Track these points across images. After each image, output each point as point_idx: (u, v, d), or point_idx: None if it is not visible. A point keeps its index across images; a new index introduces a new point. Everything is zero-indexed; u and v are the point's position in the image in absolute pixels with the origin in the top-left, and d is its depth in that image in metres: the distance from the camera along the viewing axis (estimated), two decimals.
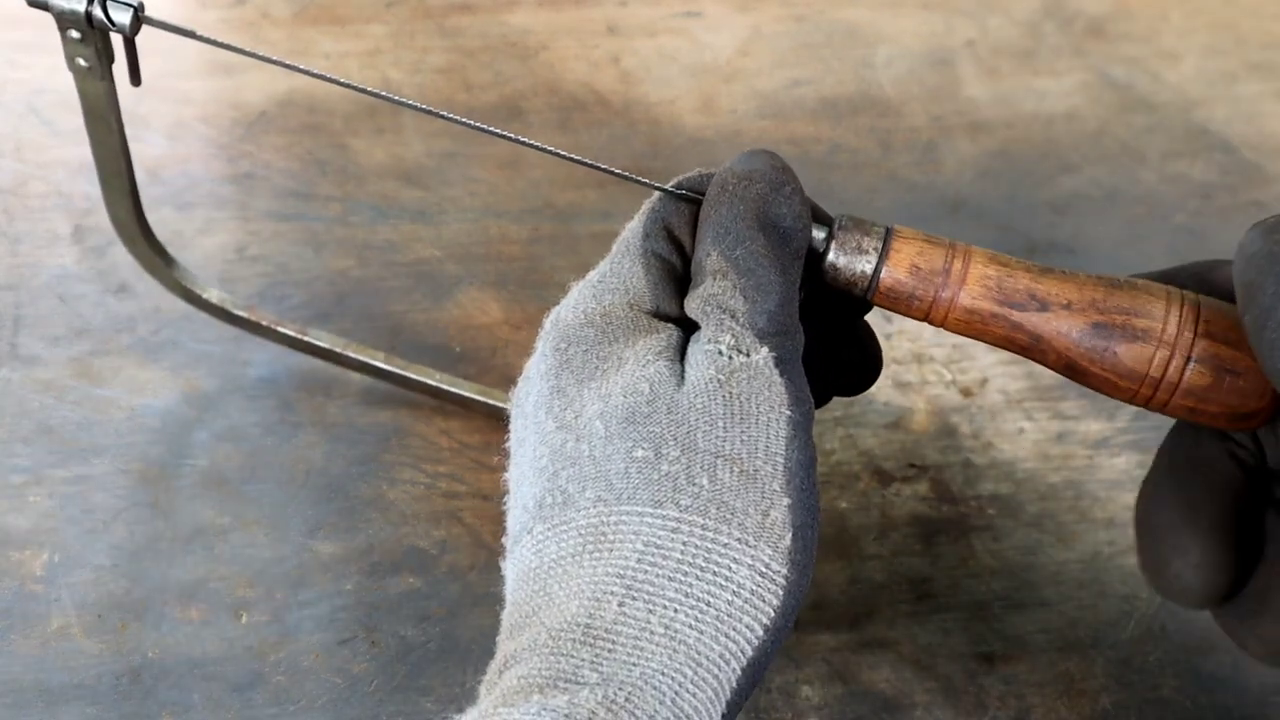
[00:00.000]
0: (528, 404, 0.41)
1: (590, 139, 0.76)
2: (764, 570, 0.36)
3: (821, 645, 0.51)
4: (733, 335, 0.38)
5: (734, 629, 0.35)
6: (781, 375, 0.38)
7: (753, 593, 0.36)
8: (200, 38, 0.45)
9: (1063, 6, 0.90)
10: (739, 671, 0.35)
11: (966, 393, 0.62)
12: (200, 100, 0.76)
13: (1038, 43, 0.87)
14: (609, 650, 0.35)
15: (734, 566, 0.36)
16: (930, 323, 0.42)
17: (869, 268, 0.41)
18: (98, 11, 0.45)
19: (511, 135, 0.46)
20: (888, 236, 0.41)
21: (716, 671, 0.35)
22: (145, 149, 0.72)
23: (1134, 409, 0.61)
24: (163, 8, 0.83)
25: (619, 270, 0.41)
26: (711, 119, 0.79)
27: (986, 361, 0.63)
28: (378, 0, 0.86)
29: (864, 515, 0.56)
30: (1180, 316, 0.39)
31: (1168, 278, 0.42)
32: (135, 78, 0.48)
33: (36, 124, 0.73)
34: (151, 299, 0.63)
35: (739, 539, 0.36)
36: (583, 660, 0.35)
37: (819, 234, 0.41)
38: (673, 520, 0.36)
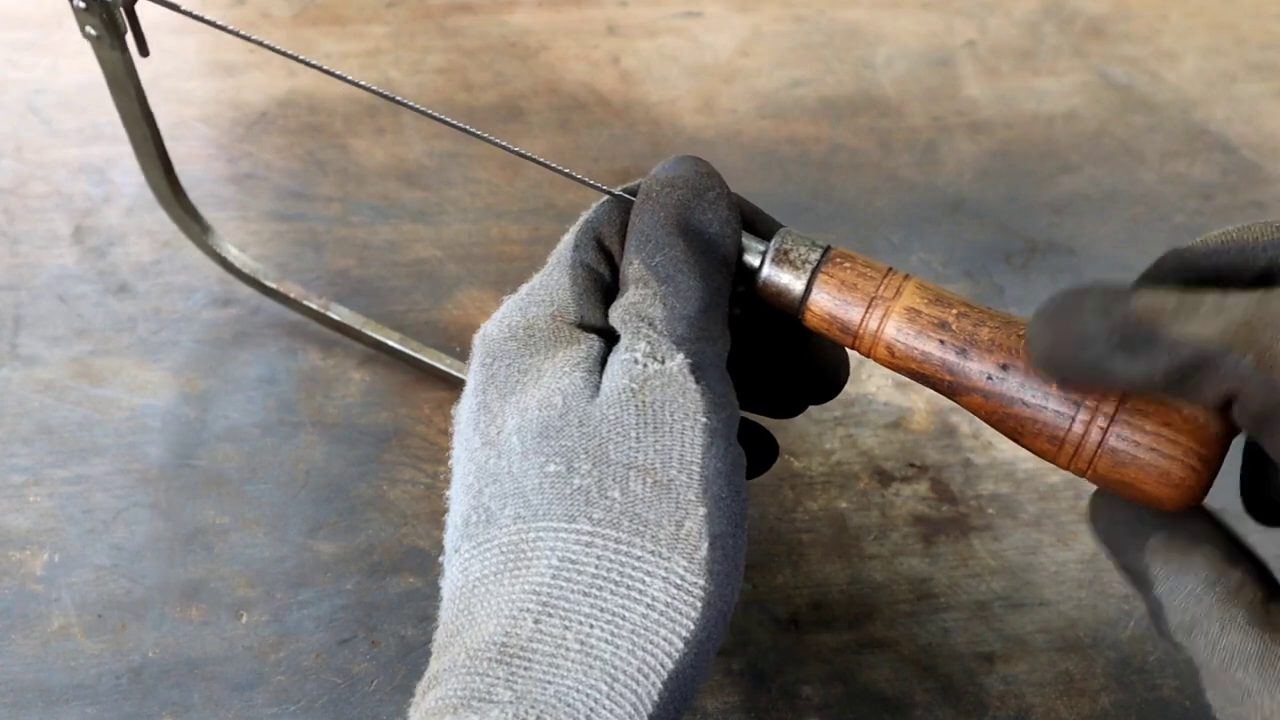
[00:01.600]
0: (461, 421, 0.41)
1: (590, 139, 0.76)
2: (679, 582, 0.36)
3: (821, 645, 0.51)
4: (648, 343, 0.38)
5: (650, 643, 0.35)
6: (698, 382, 0.37)
7: (668, 605, 0.35)
8: (193, 14, 0.47)
9: (1063, 6, 0.90)
10: (659, 685, 0.35)
11: None
12: (200, 100, 0.76)
13: (1038, 43, 0.87)
14: (524, 668, 0.35)
15: (647, 579, 0.35)
16: (858, 351, 0.40)
17: (799, 288, 0.40)
18: None
19: (496, 140, 0.46)
20: (823, 258, 0.40)
21: (635, 686, 0.35)
22: None
23: None
24: (161, 8, 0.83)
25: (547, 282, 0.41)
26: (711, 119, 0.79)
27: None
28: (378, 0, 0.86)
29: (864, 515, 0.56)
30: (1103, 399, 0.37)
31: None
32: (142, 48, 0.50)
33: (36, 124, 0.73)
34: (151, 299, 0.63)
35: (652, 551, 0.36)
36: (497, 679, 0.34)
37: (759, 247, 0.41)
38: (586, 535, 0.36)
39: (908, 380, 0.62)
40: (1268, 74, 0.85)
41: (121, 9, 0.48)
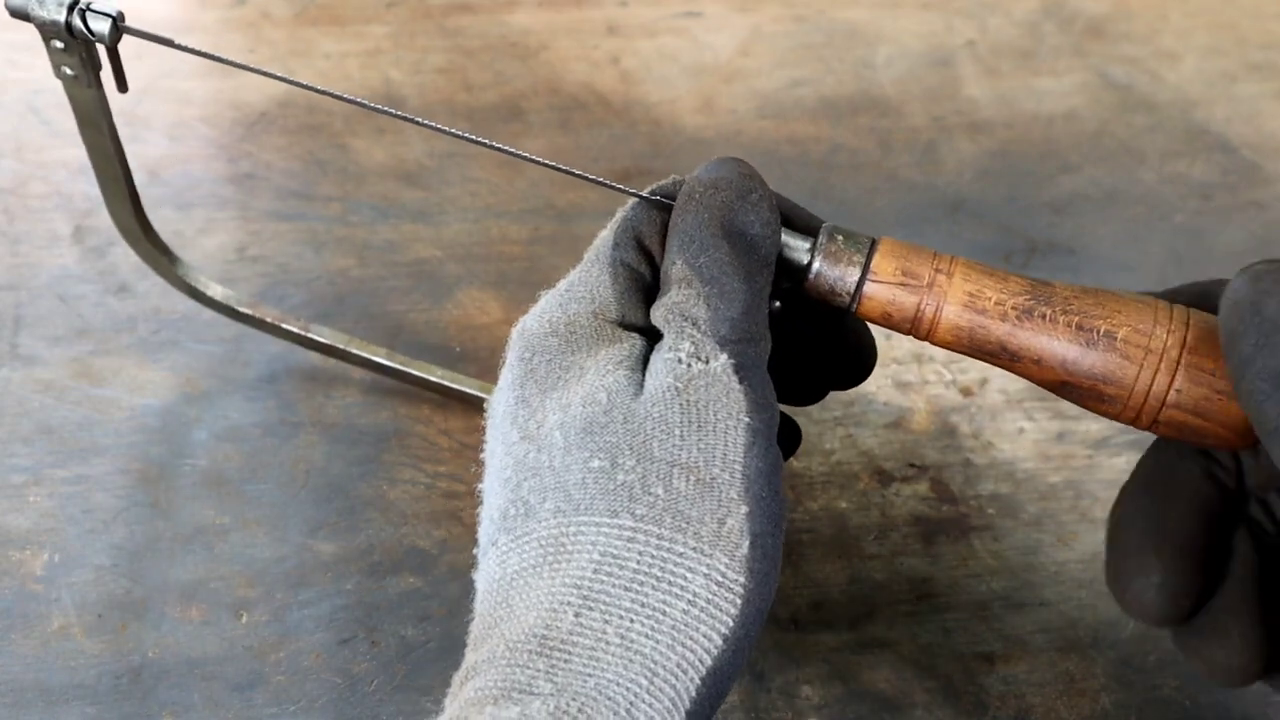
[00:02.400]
0: (496, 414, 0.41)
1: (590, 139, 0.76)
2: (720, 579, 0.36)
3: (821, 645, 0.51)
4: (693, 343, 0.38)
5: (690, 638, 0.35)
6: (741, 382, 0.38)
7: (709, 601, 0.36)
8: (179, 46, 0.46)
9: (1063, 6, 0.90)
10: (697, 681, 0.35)
11: (966, 392, 0.62)
12: (201, 100, 0.76)
13: (1038, 43, 0.87)
14: (564, 661, 0.35)
15: (689, 575, 0.36)
16: (915, 337, 0.41)
17: (852, 280, 0.40)
18: (77, 21, 0.45)
19: (497, 145, 0.46)
20: (872, 249, 0.41)
21: (673, 681, 0.35)
22: (146, 149, 0.72)
23: None
24: (163, 8, 0.84)
25: (587, 279, 0.41)
26: (711, 119, 0.79)
27: None
28: (378, 0, 0.86)
29: (864, 515, 0.56)
30: (1169, 331, 0.38)
31: (1170, 297, 0.42)
32: (121, 85, 0.48)
33: (36, 124, 0.73)
34: (151, 299, 0.63)
35: (694, 548, 0.36)
36: (538, 671, 0.35)
37: (804, 244, 0.41)
38: (629, 530, 0.36)
39: (908, 380, 0.62)
40: (1268, 74, 0.85)
41: (103, 46, 0.46)
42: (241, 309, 0.58)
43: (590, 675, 0.34)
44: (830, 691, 0.50)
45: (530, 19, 0.85)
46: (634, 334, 0.40)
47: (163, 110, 0.75)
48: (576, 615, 0.35)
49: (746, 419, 0.37)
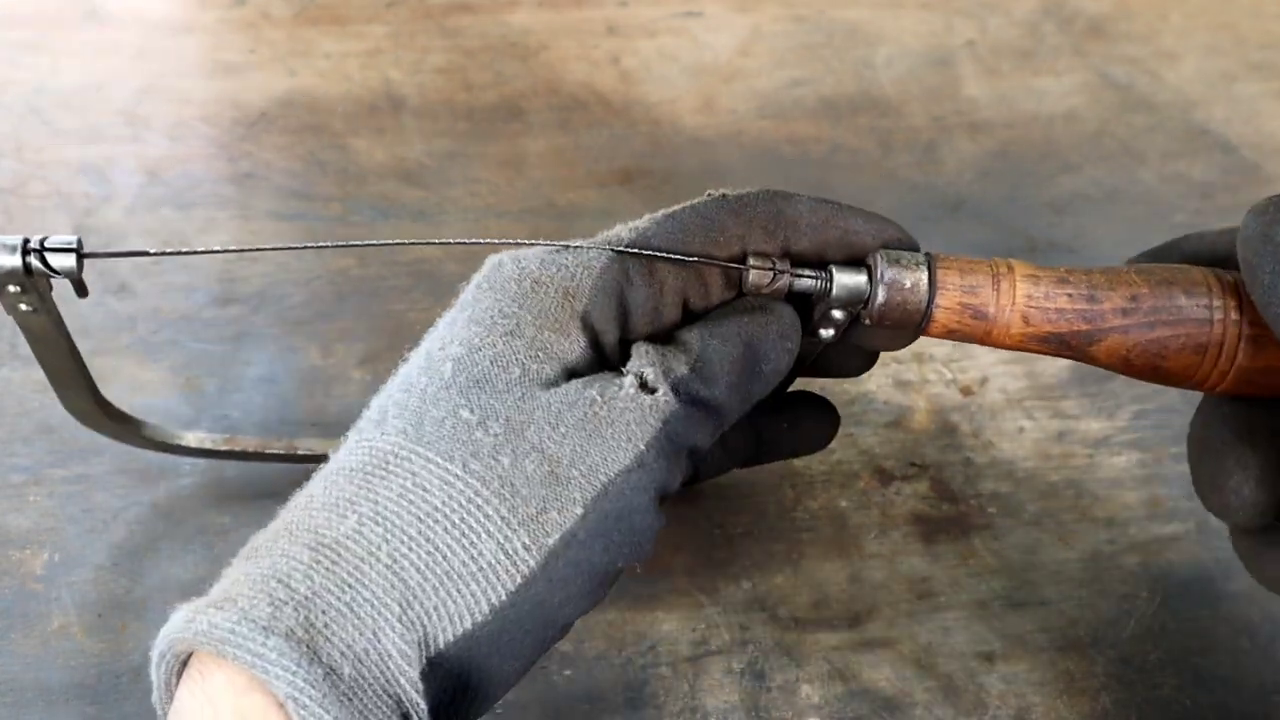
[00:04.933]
0: (436, 325, 0.42)
1: (591, 139, 0.76)
2: (510, 552, 0.36)
3: (821, 644, 0.51)
4: (652, 371, 0.38)
5: (459, 590, 0.35)
6: (664, 425, 0.37)
7: (490, 566, 0.35)
8: (146, 253, 0.45)
9: (1063, 6, 0.90)
10: (450, 637, 0.35)
11: (966, 391, 0.62)
12: (201, 100, 0.76)
13: (1038, 43, 0.87)
14: (330, 564, 0.35)
15: (484, 536, 0.36)
16: (988, 344, 0.41)
17: (920, 304, 0.40)
18: (36, 263, 0.41)
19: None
20: (931, 268, 0.40)
21: (426, 622, 0.35)
22: (146, 149, 0.72)
23: (1134, 408, 0.61)
24: (163, 8, 0.84)
25: (581, 258, 0.40)
26: (711, 119, 0.79)
27: (986, 360, 0.63)
28: (378, 0, 0.86)
29: (864, 514, 0.56)
30: (1225, 297, 0.39)
31: (1157, 256, 0.43)
32: (81, 291, 0.43)
33: (36, 124, 0.74)
34: (151, 299, 0.63)
35: (503, 517, 0.36)
36: (300, 563, 0.35)
37: (860, 277, 0.40)
38: (452, 475, 0.36)
39: (908, 379, 0.62)
40: (1268, 74, 0.85)
41: (72, 280, 0.41)
42: (221, 448, 0.55)
43: (349, 587, 0.34)
44: (830, 691, 0.50)
45: (530, 19, 0.85)
46: (584, 338, 0.39)
47: (163, 110, 0.75)
48: (359, 523, 0.36)
49: (642, 448, 0.37)
